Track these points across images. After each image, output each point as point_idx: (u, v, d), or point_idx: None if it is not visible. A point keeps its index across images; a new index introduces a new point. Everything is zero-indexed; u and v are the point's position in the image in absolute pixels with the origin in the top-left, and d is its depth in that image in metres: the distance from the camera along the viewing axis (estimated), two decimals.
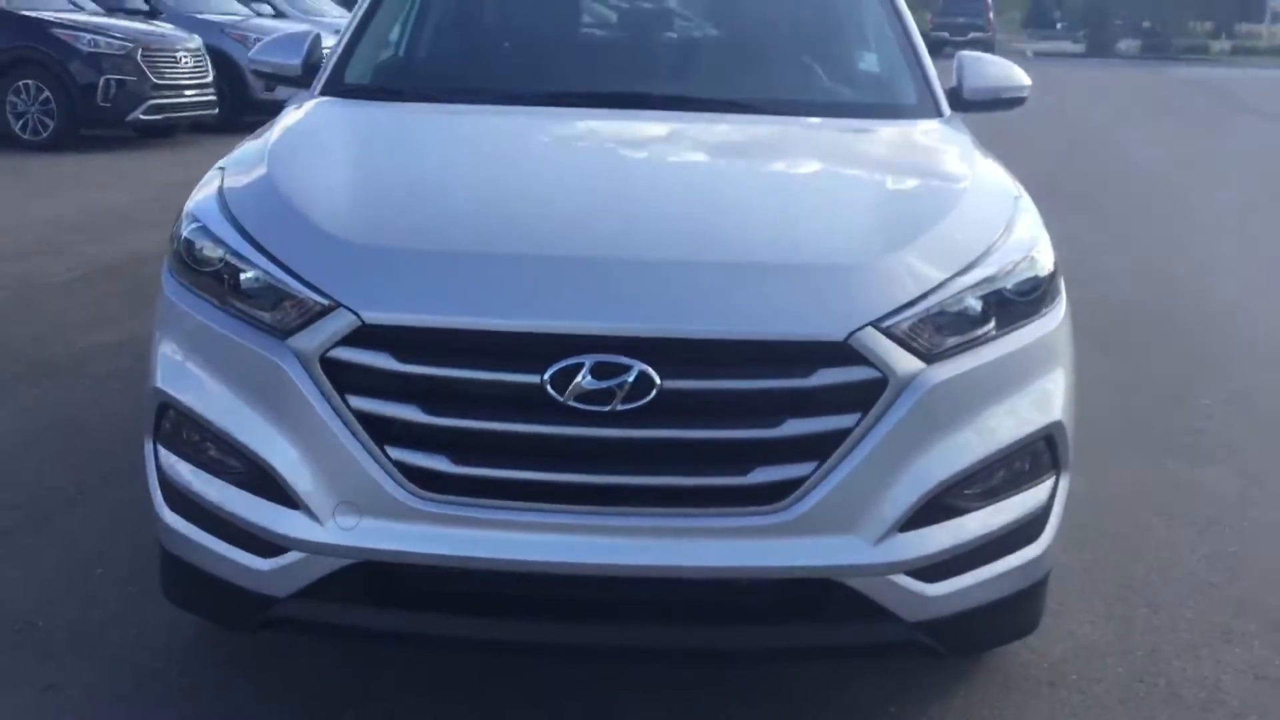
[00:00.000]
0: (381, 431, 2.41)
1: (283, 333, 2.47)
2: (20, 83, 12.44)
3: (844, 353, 2.41)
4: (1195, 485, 4.47)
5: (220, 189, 2.88)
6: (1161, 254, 8.91)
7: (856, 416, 2.42)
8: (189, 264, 2.72)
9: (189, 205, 2.87)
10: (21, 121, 12.48)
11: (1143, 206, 11.17)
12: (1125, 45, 56.61)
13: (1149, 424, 5.14)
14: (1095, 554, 3.80)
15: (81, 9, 13.67)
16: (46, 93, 12.45)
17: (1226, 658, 3.26)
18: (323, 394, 2.42)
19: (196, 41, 13.76)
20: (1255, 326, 6.89)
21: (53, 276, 7.06)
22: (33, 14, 12.77)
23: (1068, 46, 59.59)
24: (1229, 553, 3.90)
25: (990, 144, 3.49)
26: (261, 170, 2.96)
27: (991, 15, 52.26)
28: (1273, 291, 7.86)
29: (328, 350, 2.42)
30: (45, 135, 12.47)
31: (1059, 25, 72.62)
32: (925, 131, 3.56)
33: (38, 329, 5.97)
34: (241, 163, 3.07)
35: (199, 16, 15.25)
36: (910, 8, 4.07)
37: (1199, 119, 22.15)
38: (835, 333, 2.41)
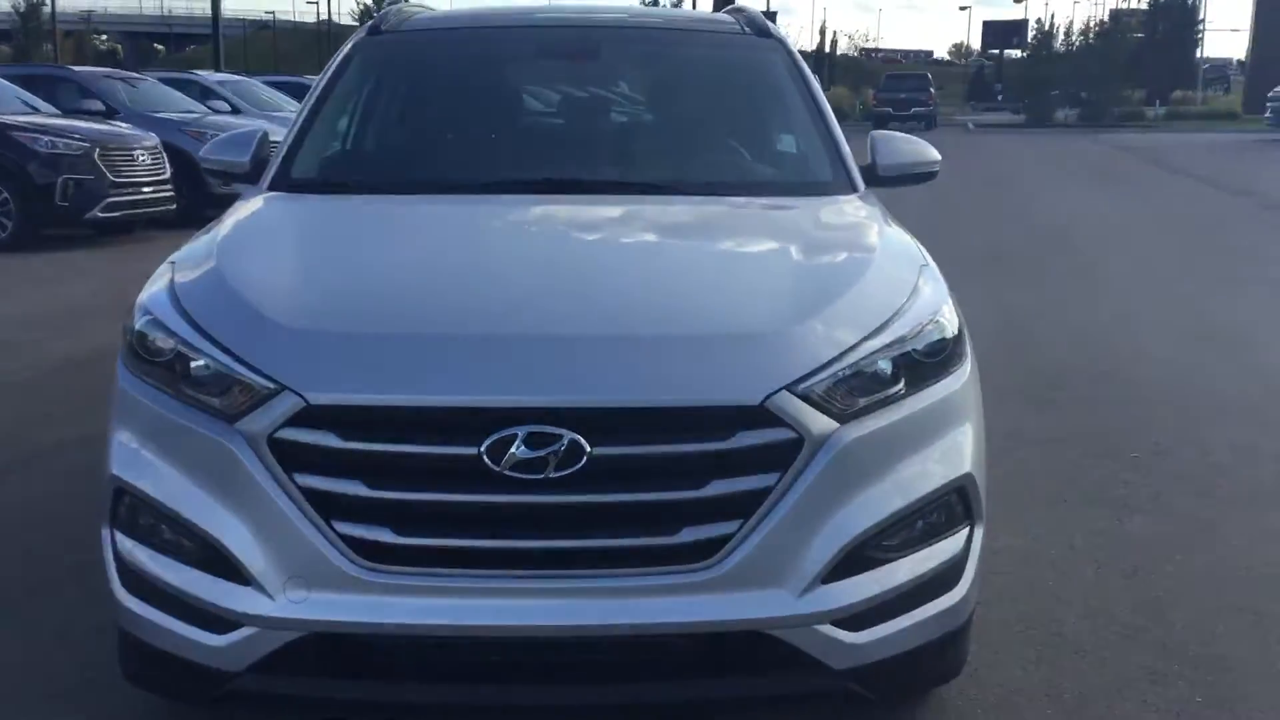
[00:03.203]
0: (327, 507, 2.52)
1: (232, 417, 2.58)
2: None
3: (761, 415, 2.54)
4: (1123, 534, 4.63)
5: (171, 282, 3.00)
6: (1094, 315, 9.15)
7: (776, 475, 2.56)
8: (142, 355, 2.83)
9: (141, 298, 2.98)
10: None
11: (1076, 269, 11.45)
12: (1063, 115, 57.87)
13: (1080, 477, 5.31)
14: (1029, 605, 3.95)
15: (38, 110, 13.75)
16: (4, 194, 12.50)
17: (1150, 698, 3.39)
18: (270, 473, 2.54)
19: (153, 140, 13.88)
20: (1182, 383, 7.08)
21: (14, 375, 7.09)
22: None
23: (1008, 118, 61.04)
24: (1154, 598, 4.05)
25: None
26: (210, 264, 3.09)
27: (933, 90, 53.68)
28: (1199, 349, 8.06)
29: (274, 431, 2.53)
30: (3, 236, 12.50)
31: (999, 98, 74.28)
32: (839, 206, 3.75)
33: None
34: (191, 257, 3.21)
35: (156, 115, 15.42)
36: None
37: (1134, 183, 22.67)
38: (752, 397, 2.55)
